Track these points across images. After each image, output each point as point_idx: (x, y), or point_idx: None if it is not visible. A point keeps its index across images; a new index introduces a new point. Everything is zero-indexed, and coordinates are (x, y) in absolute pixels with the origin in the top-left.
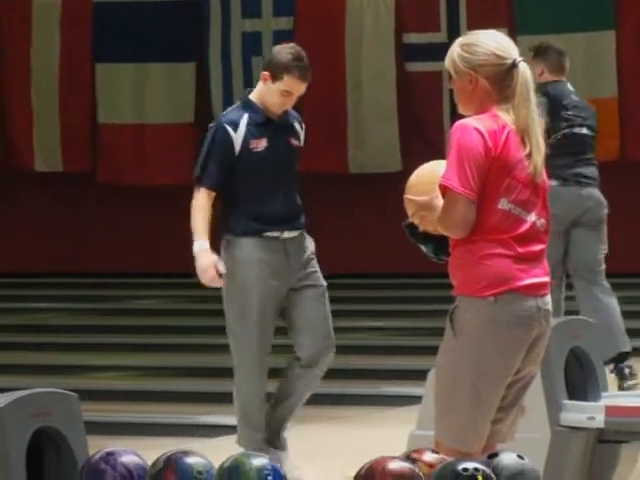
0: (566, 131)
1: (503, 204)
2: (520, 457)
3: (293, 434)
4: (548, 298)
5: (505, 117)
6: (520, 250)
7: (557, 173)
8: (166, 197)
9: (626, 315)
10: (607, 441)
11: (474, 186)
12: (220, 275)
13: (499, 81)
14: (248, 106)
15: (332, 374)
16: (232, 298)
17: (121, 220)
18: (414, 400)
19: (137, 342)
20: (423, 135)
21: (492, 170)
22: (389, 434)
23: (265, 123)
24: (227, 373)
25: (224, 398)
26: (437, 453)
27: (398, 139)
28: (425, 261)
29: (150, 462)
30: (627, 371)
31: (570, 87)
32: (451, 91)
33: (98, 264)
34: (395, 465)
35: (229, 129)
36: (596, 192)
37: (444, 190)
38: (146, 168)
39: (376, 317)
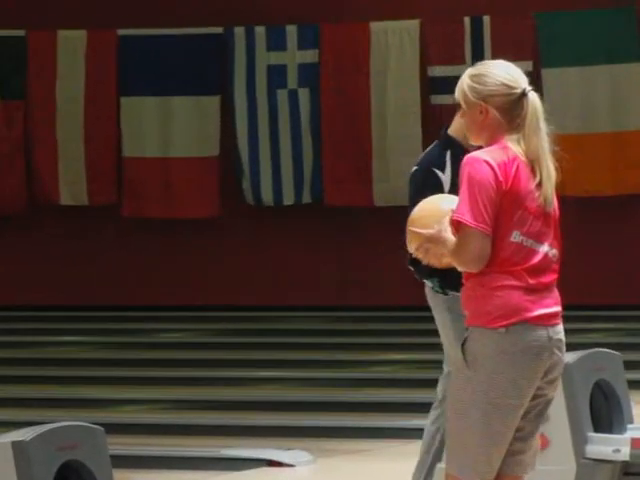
0: None
1: (515, 237)
2: None
3: (314, 468)
4: (560, 328)
5: (515, 148)
6: (531, 281)
7: None
8: (190, 230)
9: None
10: (632, 474)
11: (488, 220)
12: None
13: (509, 111)
14: (448, 142)
15: (352, 407)
16: None
17: (145, 253)
18: None
19: (162, 375)
20: None
21: (504, 203)
22: (410, 467)
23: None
24: (251, 406)
25: (248, 431)
26: None
27: None
28: None
29: None
30: None
31: None
32: None
33: (123, 297)
34: None
35: (437, 171)
36: None
37: (457, 225)
38: (171, 201)
39: (398, 350)
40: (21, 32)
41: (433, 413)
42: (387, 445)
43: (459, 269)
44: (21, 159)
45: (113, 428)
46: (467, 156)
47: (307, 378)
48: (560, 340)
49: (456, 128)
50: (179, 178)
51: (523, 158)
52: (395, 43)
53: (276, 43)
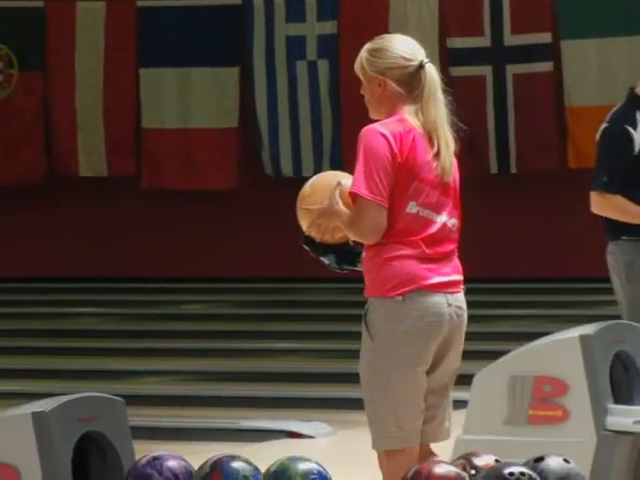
0: None
1: (411, 208)
2: (566, 461)
3: (334, 439)
4: (460, 296)
5: (413, 119)
6: (428, 251)
7: None
8: (209, 202)
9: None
10: None
11: (383, 192)
12: None
13: (407, 83)
14: (637, 101)
15: None
16: None
17: (164, 225)
18: (460, 404)
19: (182, 347)
20: (467, 138)
21: (399, 174)
22: None
23: None
24: (271, 378)
25: (268, 403)
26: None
27: None
28: (474, 266)
29: (196, 467)
30: None
31: None
32: (495, 95)
33: (143, 269)
34: (441, 469)
35: (629, 128)
36: None
37: (354, 197)
38: (189, 173)
39: None
40: (40, 3)
41: None
42: None
43: (356, 240)
44: (40, 130)
45: (133, 399)
46: (363, 129)
47: (327, 350)
48: (460, 307)
49: None
50: (198, 149)
51: (420, 130)
52: (414, 14)
53: (295, 14)
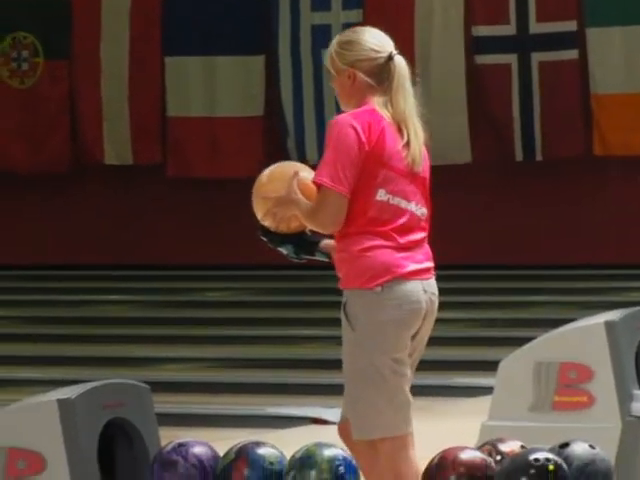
0: None
1: (381, 195)
2: (591, 447)
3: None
4: (433, 282)
5: (382, 110)
6: (401, 240)
7: None
8: (234, 189)
9: None
10: None
11: (346, 182)
12: None
13: (376, 75)
14: None
15: None
16: None
17: (190, 212)
18: (485, 391)
19: (208, 334)
20: (492, 126)
21: (367, 163)
22: (461, 425)
23: None
24: (296, 364)
25: (295, 389)
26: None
27: (467, 131)
28: (500, 253)
29: (222, 453)
30: None
31: None
32: (521, 83)
33: (168, 256)
34: (467, 455)
35: None
36: None
37: (317, 186)
38: (215, 161)
39: (449, 309)
40: None
41: None
42: (439, 402)
43: (313, 230)
44: (66, 119)
45: (158, 386)
46: (332, 119)
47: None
48: (434, 293)
49: None
50: (224, 137)
51: (390, 120)
52: (440, 3)
53: (320, 3)
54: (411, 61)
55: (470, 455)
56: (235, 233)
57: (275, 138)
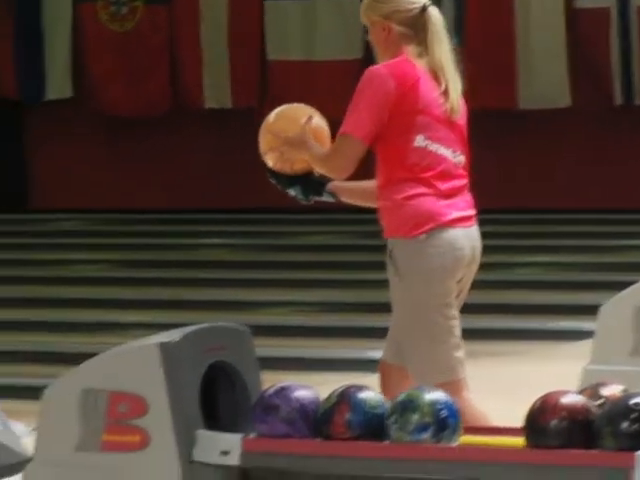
0: None
1: (419, 141)
2: None
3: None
4: (475, 229)
5: (418, 60)
6: (442, 187)
7: None
8: (334, 133)
9: None
10: None
11: (366, 129)
12: None
13: (411, 26)
14: None
15: (504, 309)
16: None
17: None
18: (587, 335)
19: (309, 278)
20: (591, 70)
21: (401, 111)
22: (562, 369)
23: None
24: None
25: None
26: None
27: (567, 75)
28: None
29: (323, 397)
30: None
31: None
32: (619, 27)
33: (268, 200)
34: (568, 399)
35: None
36: None
37: (341, 133)
38: (314, 104)
39: (548, 252)
40: None
41: None
42: (541, 347)
43: (327, 175)
44: (165, 63)
45: (260, 330)
46: (367, 69)
47: None
48: (477, 239)
49: None
50: (322, 81)
51: (426, 69)
52: None
53: None
54: (511, 5)
55: (572, 399)
56: None
57: None
